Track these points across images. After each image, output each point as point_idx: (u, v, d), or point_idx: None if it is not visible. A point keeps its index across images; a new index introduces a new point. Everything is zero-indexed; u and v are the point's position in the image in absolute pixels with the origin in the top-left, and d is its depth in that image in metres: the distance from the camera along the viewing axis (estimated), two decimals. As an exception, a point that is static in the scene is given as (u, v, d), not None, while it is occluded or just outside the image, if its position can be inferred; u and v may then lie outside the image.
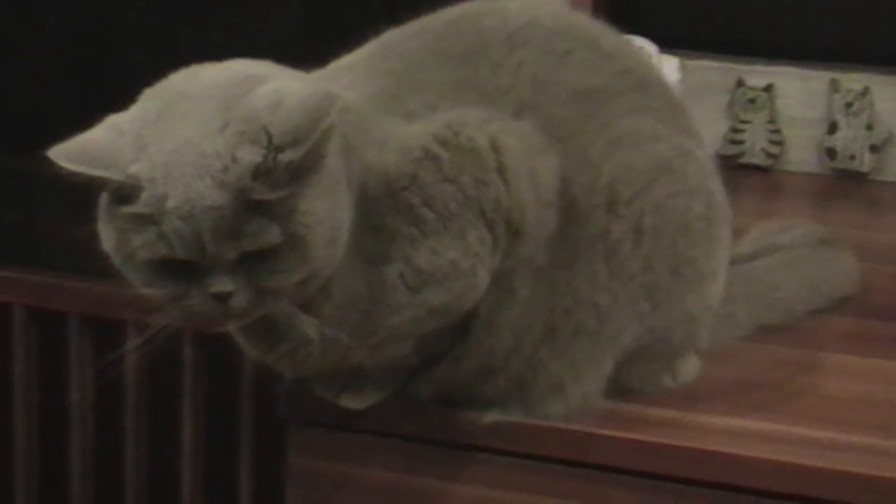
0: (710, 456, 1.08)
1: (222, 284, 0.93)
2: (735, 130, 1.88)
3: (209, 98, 0.95)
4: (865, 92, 1.84)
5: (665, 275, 1.12)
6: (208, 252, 0.92)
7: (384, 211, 1.02)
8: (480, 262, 1.05)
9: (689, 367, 1.18)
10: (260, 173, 0.91)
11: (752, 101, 1.87)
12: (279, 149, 0.91)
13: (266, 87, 0.96)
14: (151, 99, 0.98)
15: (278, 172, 0.91)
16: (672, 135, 1.15)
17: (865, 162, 1.85)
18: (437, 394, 1.12)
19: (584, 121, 1.11)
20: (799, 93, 1.88)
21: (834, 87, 1.85)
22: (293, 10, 2.06)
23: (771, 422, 1.12)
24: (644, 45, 1.65)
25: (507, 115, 1.08)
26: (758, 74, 1.88)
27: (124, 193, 0.93)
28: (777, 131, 1.87)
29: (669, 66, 1.67)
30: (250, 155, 0.91)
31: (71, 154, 0.95)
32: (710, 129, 1.85)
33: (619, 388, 1.14)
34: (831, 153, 1.86)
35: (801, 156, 1.89)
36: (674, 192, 1.12)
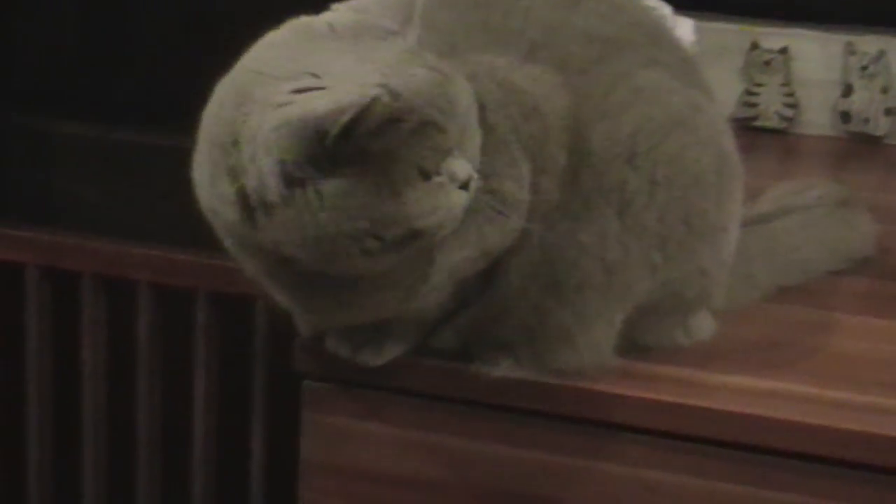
0: (724, 415, 1.07)
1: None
2: (750, 93, 1.88)
3: None
4: (881, 55, 1.84)
5: (677, 227, 1.11)
6: None
7: None
8: (525, 194, 1.05)
9: (704, 325, 1.17)
10: None
11: (767, 63, 1.88)
12: None
13: None
14: None
15: None
16: (685, 89, 1.15)
17: (881, 125, 1.85)
18: (455, 344, 1.11)
19: (599, 65, 1.11)
20: (814, 55, 1.88)
21: (849, 49, 1.85)
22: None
23: (787, 381, 1.11)
24: (659, 5, 1.62)
25: (519, 55, 1.08)
26: (773, 37, 1.88)
27: None
28: (792, 94, 1.88)
29: (685, 27, 1.66)
30: None
31: None
32: (725, 91, 1.85)
33: (633, 345, 1.13)
34: (846, 116, 1.86)
35: (816, 118, 1.89)
36: (686, 144, 1.12)
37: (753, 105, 1.88)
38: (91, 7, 2.31)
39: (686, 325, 1.16)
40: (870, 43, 1.85)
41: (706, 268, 1.14)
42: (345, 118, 0.90)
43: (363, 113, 0.90)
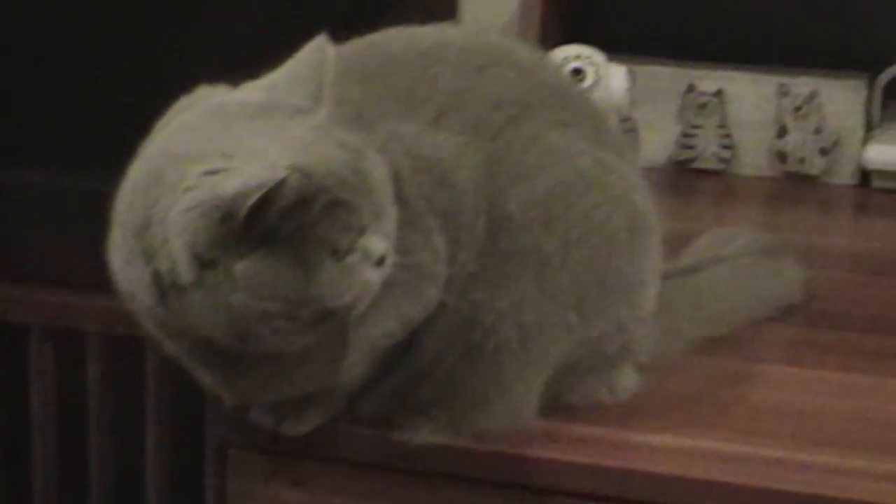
0: (645, 477, 1.07)
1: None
2: (687, 135, 1.88)
3: None
4: (813, 96, 1.84)
5: (592, 286, 1.11)
6: None
7: None
8: (442, 266, 1.05)
9: (627, 381, 1.17)
10: None
11: (703, 105, 1.88)
12: None
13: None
14: None
15: None
16: (594, 149, 1.15)
17: (815, 164, 1.85)
18: (378, 410, 1.11)
19: (509, 129, 1.12)
20: (748, 97, 1.89)
21: (783, 91, 1.85)
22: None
23: (708, 439, 1.11)
24: (591, 55, 1.66)
25: (427, 123, 1.09)
26: (708, 79, 1.89)
27: None
28: (728, 135, 1.88)
29: (617, 75, 1.66)
30: None
31: None
32: (662, 134, 1.89)
33: (556, 404, 1.13)
34: (782, 156, 1.86)
35: (753, 159, 1.89)
36: (597, 203, 1.12)
37: (691, 147, 1.88)
38: (39, 52, 2.30)
39: (609, 381, 1.16)
40: (802, 84, 1.86)
41: (625, 324, 1.14)
42: (252, 200, 0.90)
43: (272, 194, 0.90)
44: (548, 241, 1.09)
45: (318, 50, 1.03)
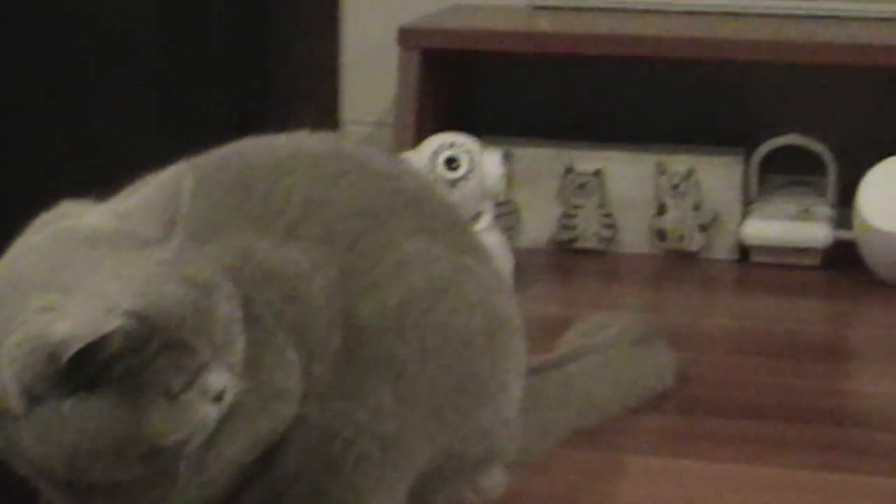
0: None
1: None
2: (567, 216, 1.89)
3: None
4: (690, 174, 1.87)
5: (451, 393, 1.11)
6: None
7: None
8: (295, 381, 1.04)
9: (495, 481, 1.16)
10: None
11: (582, 186, 1.89)
12: None
13: None
14: None
15: None
16: (451, 254, 1.15)
17: (695, 241, 1.86)
18: None
19: (364, 238, 1.11)
20: (627, 176, 1.90)
21: (660, 169, 1.87)
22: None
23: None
24: (465, 142, 1.68)
25: (280, 236, 1.08)
26: (586, 160, 1.90)
27: None
28: (608, 215, 1.89)
29: (492, 161, 1.68)
30: None
31: None
32: (543, 215, 1.91)
33: None
34: (661, 234, 1.88)
35: (634, 238, 1.91)
36: (454, 309, 1.12)
37: (572, 227, 1.89)
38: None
39: (475, 483, 1.15)
40: (679, 162, 1.88)
41: (489, 428, 1.13)
42: (76, 348, 0.90)
43: (100, 343, 0.90)
44: (403, 349, 1.09)
45: (176, 179, 1.03)
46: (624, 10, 1.99)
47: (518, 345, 1.17)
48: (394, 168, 1.20)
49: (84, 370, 0.91)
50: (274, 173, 1.11)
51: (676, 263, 1.87)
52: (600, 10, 2.00)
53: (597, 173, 1.88)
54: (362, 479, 1.08)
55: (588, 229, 1.89)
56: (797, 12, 1.96)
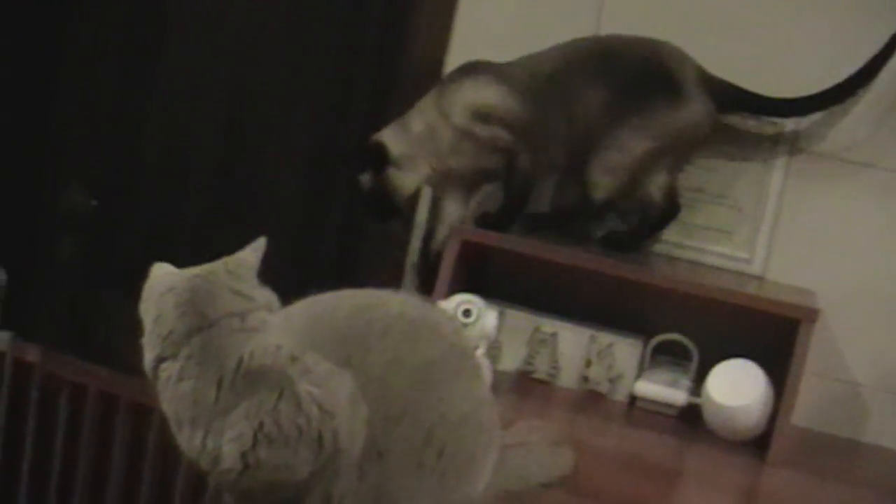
0: None
1: None
2: (531, 356, 1.93)
3: None
4: (610, 345, 1.90)
5: (454, 480, 1.09)
6: None
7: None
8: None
9: None
10: None
11: (543, 341, 1.92)
12: None
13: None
14: None
15: None
16: (473, 388, 1.12)
17: (605, 387, 1.90)
18: None
19: (420, 384, 1.07)
20: (571, 340, 1.92)
21: (592, 339, 1.91)
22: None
23: None
24: (475, 301, 1.72)
25: (342, 363, 1.03)
26: (548, 324, 1.92)
27: None
28: (556, 361, 1.92)
29: (490, 315, 1.74)
30: None
31: None
32: (516, 353, 1.92)
33: None
34: (586, 379, 1.91)
35: (569, 378, 1.92)
36: (472, 431, 1.10)
37: (532, 364, 1.92)
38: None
39: None
40: (604, 337, 1.91)
41: (475, 495, 1.13)
42: None
43: None
44: (428, 452, 1.05)
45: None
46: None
47: (497, 440, 1.19)
48: (450, 328, 1.16)
49: None
50: (376, 329, 1.06)
51: (592, 399, 1.88)
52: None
53: (553, 335, 1.92)
54: None
55: (542, 367, 1.92)
56: (682, 256, 1.97)
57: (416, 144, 1.83)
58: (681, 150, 1.83)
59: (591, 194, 1.83)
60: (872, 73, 1.81)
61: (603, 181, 1.81)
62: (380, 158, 1.84)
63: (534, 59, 1.83)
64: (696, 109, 1.78)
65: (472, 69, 1.84)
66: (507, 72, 1.82)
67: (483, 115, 1.81)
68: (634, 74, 1.78)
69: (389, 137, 1.85)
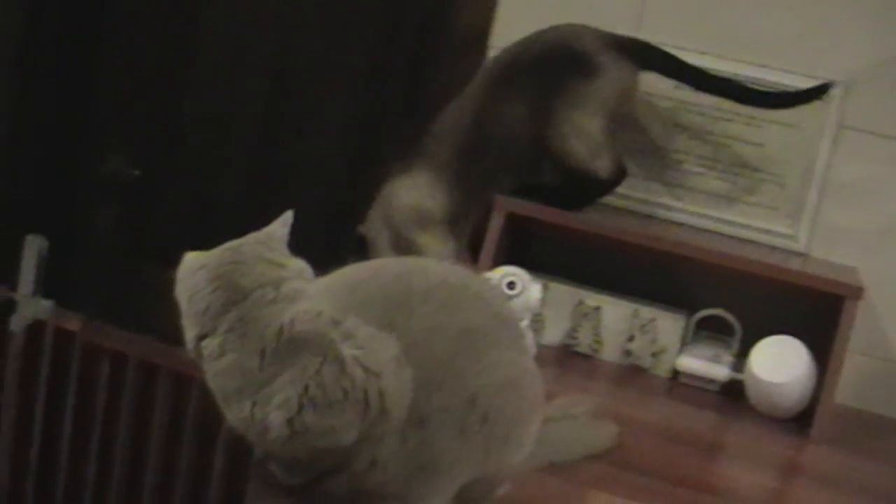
0: None
1: None
2: (574, 330, 1.92)
3: None
4: (653, 319, 1.88)
5: (500, 442, 1.08)
6: None
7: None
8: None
9: (504, 489, 1.15)
10: None
11: (586, 314, 1.91)
12: None
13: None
14: None
15: None
16: (519, 356, 1.10)
17: (647, 362, 1.88)
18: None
19: (463, 349, 1.04)
20: (614, 313, 1.90)
21: (635, 314, 1.89)
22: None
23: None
24: (520, 273, 1.68)
25: (386, 329, 1.00)
26: (590, 298, 1.91)
27: None
28: (598, 335, 1.90)
29: (535, 288, 1.70)
30: None
31: None
32: (559, 326, 1.91)
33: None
34: (628, 353, 1.90)
35: (611, 352, 1.91)
36: (517, 398, 1.08)
37: (575, 338, 1.92)
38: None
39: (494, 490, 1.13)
40: (647, 312, 1.90)
41: (515, 464, 1.12)
42: None
43: None
44: (472, 416, 1.03)
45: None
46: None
47: (540, 410, 1.16)
48: (493, 296, 1.13)
49: None
50: (418, 294, 1.04)
51: (634, 373, 1.88)
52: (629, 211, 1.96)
53: (596, 308, 1.91)
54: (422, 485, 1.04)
55: (585, 341, 1.91)
56: (726, 232, 1.95)
57: None
58: (618, 115, 1.83)
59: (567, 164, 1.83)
60: (780, 102, 1.82)
61: (575, 163, 1.82)
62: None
63: (451, 115, 1.84)
64: (613, 75, 1.77)
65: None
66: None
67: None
68: (544, 67, 1.79)
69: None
